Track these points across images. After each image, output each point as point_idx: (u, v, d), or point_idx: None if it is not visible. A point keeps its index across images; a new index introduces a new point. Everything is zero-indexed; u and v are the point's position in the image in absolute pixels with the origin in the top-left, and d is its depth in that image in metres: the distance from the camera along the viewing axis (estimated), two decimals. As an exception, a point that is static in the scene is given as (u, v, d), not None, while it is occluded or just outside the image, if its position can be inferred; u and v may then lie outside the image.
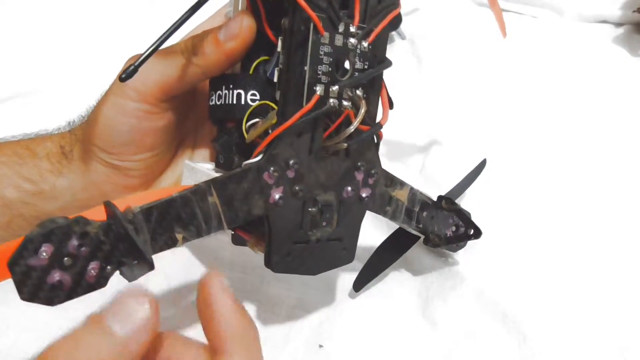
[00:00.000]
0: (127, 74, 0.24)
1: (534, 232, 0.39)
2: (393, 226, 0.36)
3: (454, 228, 0.34)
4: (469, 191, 0.39)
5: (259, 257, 0.29)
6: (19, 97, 0.50)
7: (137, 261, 0.21)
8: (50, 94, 0.50)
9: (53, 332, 0.32)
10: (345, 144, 0.26)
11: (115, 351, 0.19)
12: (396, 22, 0.28)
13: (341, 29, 0.25)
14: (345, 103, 0.26)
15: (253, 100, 0.28)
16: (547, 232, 0.39)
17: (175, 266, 0.36)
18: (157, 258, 0.22)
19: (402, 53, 0.57)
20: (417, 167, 0.45)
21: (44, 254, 0.19)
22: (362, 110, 0.26)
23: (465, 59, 0.56)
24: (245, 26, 0.27)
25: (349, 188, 0.28)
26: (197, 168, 0.30)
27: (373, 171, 0.29)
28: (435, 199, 0.34)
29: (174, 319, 0.34)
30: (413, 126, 0.48)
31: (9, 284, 0.20)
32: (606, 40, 0.58)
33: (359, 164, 0.28)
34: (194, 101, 0.33)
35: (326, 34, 0.25)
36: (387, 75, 0.28)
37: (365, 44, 0.26)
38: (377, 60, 0.27)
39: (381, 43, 0.27)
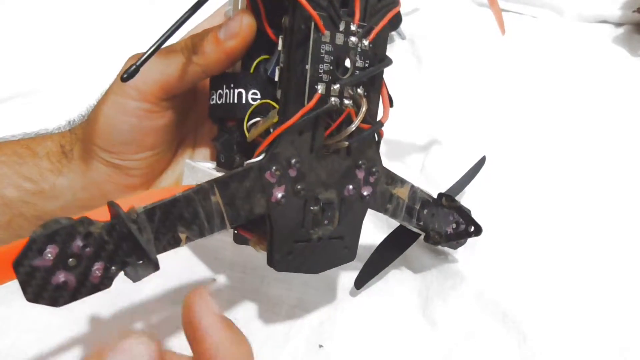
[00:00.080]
0: (128, 74, 0.24)
1: (534, 231, 0.39)
2: (394, 225, 0.36)
3: (454, 225, 0.34)
4: (469, 189, 0.39)
5: (259, 256, 0.29)
6: (19, 97, 0.50)
7: (142, 261, 0.21)
8: (50, 94, 0.50)
9: (53, 333, 0.32)
10: (347, 143, 0.26)
11: None
12: (396, 21, 0.28)
13: (342, 27, 0.25)
14: (346, 102, 0.26)
15: (254, 99, 0.28)
16: (547, 231, 0.39)
17: (175, 266, 0.36)
18: (158, 258, 0.22)
19: (402, 53, 0.57)
20: (417, 166, 0.45)
21: (49, 254, 0.19)
22: (363, 109, 0.26)
23: (465, 59, 0.56)
24: (246, 25, 0.27)
25: (350, 186, 0.28)
26: (198, 167, 0.30)
27: (374, 169, 0.29)
28: (435, 196, 0.34)
29: (174, 319, 0.34)
30: (413, 125, 0.48)
31: (10, 285, 0.20)
32: (606, 40, 0.58)
33: (360, 162, 0.28)
34: (194, 100, 0.33)
35: (327, 33, 0.25)
36: (387, 75, 0.28)
37: (365, 42, 0.26)
38: (378, 58, 0.27)
39: (381, 41, 0.27)
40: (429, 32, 0.59)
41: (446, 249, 0.37)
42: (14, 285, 0.20)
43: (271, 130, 0.25)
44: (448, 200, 0.34)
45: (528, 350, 0.31)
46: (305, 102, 0.25)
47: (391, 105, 0.28)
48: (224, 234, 0.26)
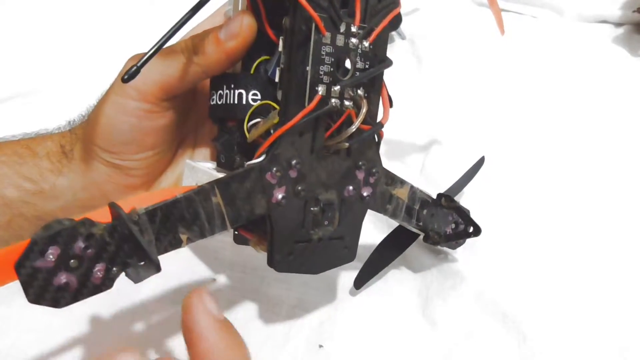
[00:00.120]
0: (129, 75, 0.24)
1: (534, 231, 0.39)
2: (393, 225, 0.36)
3: (453, 225, 0.35)
4: (468, 189, 0.39)
5: (259, 257, 0.29)
6: (19, 97, 0.50)
7: (143, 262, 0.21)
8: (50, 94, 0.50)
9: (54, 333, 0.33)
10: (347, 144, 0.26)
11: None
12: (396, 21, 0.28)
13: (342, 28, 0.25)
14: (346, 103, 0.26)
15: (254, 100, 0.28)
16: (547, 231, 0.39)
17: (175, 266, 0.36)
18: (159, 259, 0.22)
19: (402, 53, 0.57)
20: (417, 167, 0.45)
21: (51, 256, 0.19)
22: (364, 110, 0.26)
23: (465, 59, 0.56)
24: (246, 25, 0.27)
25: (351, 187, 0.28)
26: (198, 167, 0.30)
27: (374, 170, 0.29)
28: (434, 197, 0.34)
29: (174, 319, 0.34)
30: (413, 126, 0.48)
31: (11, 285, 0.20)
32: (606, 40, 0.58)
33: (360, 163, 0.28)
34: (195, 100, 0.33)
35: (328, 34, 0.25)
36: (388, 75, 0.28)
37: (366, 43, 0.26)
38: (378, 59, 0.27)
39: (382, 42, 0.27)
40: (429, 32, 0.59)
41: (445, 248, 0.37)
42: (14, 286, 0.20)
43: (272, 131, 0.25)
44: (447, 201, 0.34)
45: (528, 350, 0.31)
46: (306, 103, 0.25)
47: (391, 105, 0.28)
48: (224, 234, 0.26)
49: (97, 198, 0.31)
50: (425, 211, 0.33)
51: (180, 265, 0.36)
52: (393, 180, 0.30)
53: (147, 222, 0.22)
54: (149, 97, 0.29)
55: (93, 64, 0.52)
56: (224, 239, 0.38)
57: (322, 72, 0.25)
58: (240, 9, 0.29)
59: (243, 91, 0.28)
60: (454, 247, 0.37)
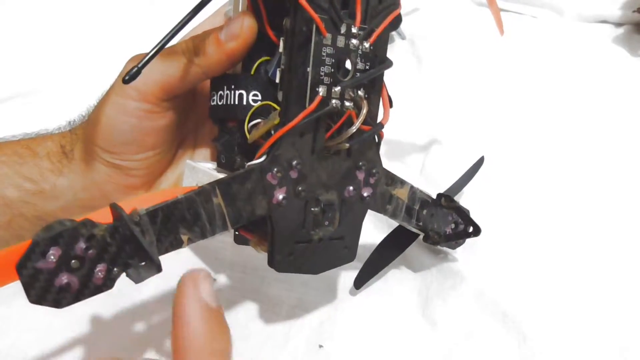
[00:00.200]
0: (130, 76, 0.24)
1: (534, 231, 0.39)
2: (394, 225, 0.36)
3: (453, 225, 0.35)
4: (469, 189, 0.39)
5: (259, 257, 0.29)
6: (19, 97, 0.50)
7: (144, 263, 0.21)
8: (51, 94, 0.50)
9: (54, 333, 0.33)
10: (347, 144, 0.27)
11: None
12: (396, 22, 0.28)
13: (343, 29, 0.25)
14: (347, 104, 0.26)
15: (255, 101, 0.28)
16: (547, 231, 0.39)
17: (176, 266, 0.36)
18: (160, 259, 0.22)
19: (402, 53, 0.57)
20: (417, 167, 0.45)
21: (52, 256, 0.19)
22: (364, 111, 0.26)
23: (465, 59, 0.56)
24: (247, 26, 0.27)
25: (351, 187, 0.28)
26: (198, 167, 0.30)
27: (374, 170, 0.29)
28: (434, 197, 0.34)
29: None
30: (413, 126, 0.48)
31: (10, 285, 0.20)
32: (606, 40, 0.58)
33: (360, 163, 0.28)
34: (195, 100, 0.33)
35: (328, 35, 0.25)
36: (388, 75, 0.28)
37: (366, 44, 0.26)
38: (378, 60, 0.27)
39: (382, 43, 0.27)
40: (429, 32, 0.59)
41: (445, 248, 0.37)
42: (14, 286, 0.20)
43: (272, 132, 0.26)
44: (447, 201, 0.34)
45: (528, 350, 0.31)
46: (307, 104, 0.25)
47: (391, 106, 0.28)
48: (224, 234, 0.26)
49: (97, 198, 0.31)
50: (425, 211, 0.33)
51: (180, 266, 0.36)
52: (393, 180, 0.30)
53: (148, 222, 0.22)
54: (149, 97, 0.29)
55: (93, 64, 0.52)
56: (224, 240, 0.38)
57: (322, 73, 0.25)
58: (240, 9, 0.29)
59: (243, 92, 0.28)
60: (453, 247, 0.37)
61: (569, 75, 0.53)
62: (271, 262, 0.27)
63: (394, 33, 0.58)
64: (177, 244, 0.23)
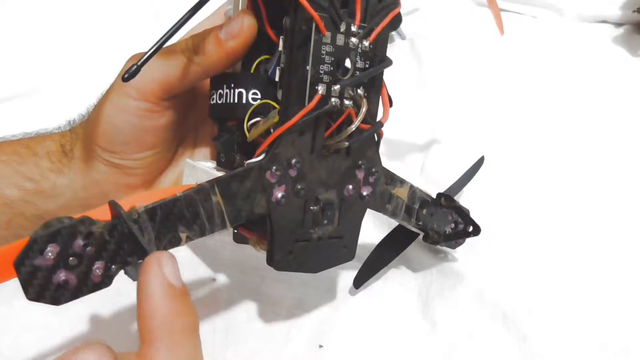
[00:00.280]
0: (129, 74, 0.24)
1: (534, 231, 0.39)
2: (393, 225, 0.36)
3: (452, 225, 0.35)
4: (469, 189, 0.39)
5: (259, 256, 0.29)
6: (19, 97, 0.50)
7: (142, 260, 0.21)
8: (51, 94, 0.50)
9: (53, 332, 0.33)
10: (347, 143, 0.26)
11: None
12: (396, 21, 0.28)
13: (342, 28, 0.25)
14: (346, 102, 0.26)
15: (254, 99, 0.28)
16: (547, 231, 0.39)
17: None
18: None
19: (402, 53, 0.57)
20: (417, 166, 0.45)
21: (50, 254, 0.20)
22: (364, 109, 0.26)
23: (465, 59, 0.56)
24: (246, 25, 0.27)
25: (350, 186, 0.28)
26: (198, 166, 0.30)
27: (374, 169, 0.29)
28: (434, 196, 0.34)
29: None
30: (413, 125, 0.48)
31: (10, 284, 0.20)
32: (606, 40, 0.58)
33: (360, 162, 0.28)
34: (194, 100, 0.33)
35: (328, 34, 0.25)
36: (388, 74, 0.28)
37: (366, 43, 0.26)
38: (378, 59, 0.27)
39: (382, 42, 0.27)
40: (429, 32, 0.59)
41: (445, 248, 0.37)
42: (14, 285, 0.20)
43: (272, 130, 0.25)
44: (447, 200, 0.34)
45: (528, 350, 0.31)
46: (306, 102, 0.25)
47: (391, 105, 0.28)
48: (224, 234, 0.26)
49: (97, 197, 0.31)
50: (424, 210, 0.33)
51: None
52: (393, 179, 0.30)
53: (147, 220, 0.22)
54: (149, 96, 0.29)
55: (93, 64, 0.52)
56: (224, 239, 0.38)
57: (322, 72, 0.25)
58: (240, 8, 0.29)
59: (243, 90, 0.28)
60: (453, 247, 0.37)
61: (569, 75, 0.53)
62: (270, 261, 0.27)
63: (394, 33, 0.58)
64: (175, 242, 0.23)
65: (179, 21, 0.25)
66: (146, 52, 0.25)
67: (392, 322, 0.34)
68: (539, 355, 0.31)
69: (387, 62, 0.27)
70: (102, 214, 0.21)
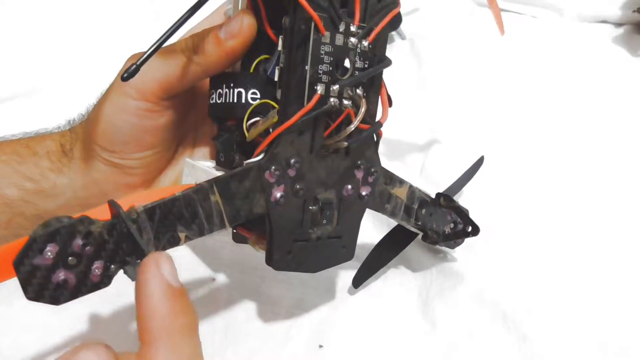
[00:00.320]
0: (129, 73, 0.24)
1: (533, 230, 0.39)
2: (393, 225, 0.36)
3: (452, 225, 0.35)
4: (468, 189, 0.39)
5: (258, 256, 0.29)
6: (19, 97, 0.50)
7: (141, 260, 0.21)
8: (51, 93, 0.50)
9: (53, 332, 0.33)
10: (346, 143, 0.26)
11: None
12: (396, 21, 0.28)
13: (342, 28, 0.25)
14: (345, 102, 0.26)
15: (254, 99, 0.28)
16: (546, 230, 0.39)
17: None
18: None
19: (402, 53, 0.57)
20: (417, 166, 0.45)
21: (49, 253, 0.20)
22: (363, 109, 0.26)
23: (465, 59, 0.56)
24: (246, 25, 0.27)
25: (349, 186, 0.28)
26: (198, 166, 0.30)
27: (373, 169, 0.29)
28: (434, 196, 0.34)
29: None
30: (413, 126, 0.48)
31: (9, 284, 0.20)
32: (606, 40, 0.58)
33: (359, 162, 0.28)
34: (194, 99, 0.33)
35: (327, 34, 0.25)
36: (387, 74, 0.28)
37: (365, 43, 0.26)
38: (377, 59, 0.27)
39: (381, 42, 0.27)
40: (429, 32, 0.59)
41: (444, 248, 0.37)
42: (14, 284, 0.20)
43: (271, 130, 0.25)
44: (446, 200, 0.34)
45: (528, 350, 0.31)
46: (305, 102, 0.25)
47: (390, 105, 0.28)
48: (223, 233, 0.26)
49: (97, 197, 0.31)
50: (424, 210, 0.33)
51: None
52: (392, 179, 0.30)
53: (146, 220, 0.22)
54: (149, 96, 0.29)
55: (93, 63, 0.52)
56: (223, 239, 0.38)
57: (321, 72, 0.25)
58: (240, 8, 0.29)
59: (242, 90, 0.28)
60: (452, 247, 0.37)
61: (569, 75, 0.53)
62: (269, 261, 0.27)
63: (394, 33, 0.58)
64: (174, 242, 0.23)
65: (178, 21, 0.25)
66: (146, 52, 0.25)
67: (391, 321, 0.34)
68: (539, 355, 0.31)
69: (387, 62, 0.27)
70: (101, 214, 0.21)
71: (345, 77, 0.26)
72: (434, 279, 0.36)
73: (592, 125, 0.47)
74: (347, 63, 0.26)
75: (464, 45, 0.57)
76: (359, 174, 0.28)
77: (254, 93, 0.28)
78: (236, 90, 0.28)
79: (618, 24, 0.60)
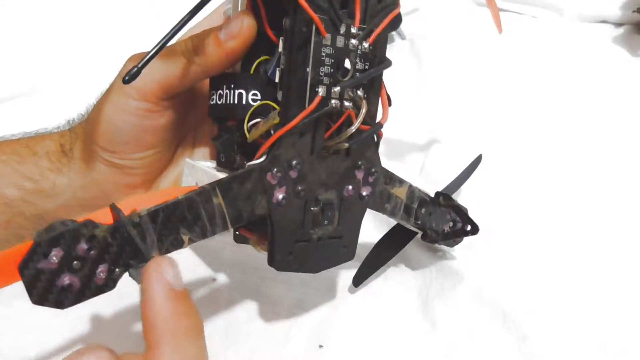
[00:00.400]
0: (130, 76, 0.24)
1: (533, 230, 0.39)
2: (392, 224, 0.36)
3: (451, 224, 0.35)
4: (467, 188, 0.39)
5: (259, 256, 0.29)
6: (19, 97, 0.50)
7: (145, 264, 0.21)
8: (50, 93, 0.50)
9: (54, 333, 0.33)
10: (347, 144, 0.27)
11: None
12: (396, 22, 0.28)
13: (342, 29, 0.25)
14: (346, 103, 0.26)
15: (254, 100, 0.28)
16: (546, 230, 0.39)
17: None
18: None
19: (402, 53, 0.57)
20: (416, 166, 0.45)
21: (54, 257, 0.20)
22: (363, 111, 0.26)
23: (465, 59, 0.56)
24: (246, 26, 0.27)
25: (350, 187, 0.28)
26: (198, 166, 0.30)
27: (373, 170, 0.29)
28: (433, 196, 0.34)
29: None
30: (413, 126, 0.48)
31: (11, 285, 0.20)
32: (606, 40, 0.58)
33: (360, 162, 0.28)
34: (194, 99, 0.33)
35: (328, 36, 0.25)
36: (387, 75, 0.28)
37: (366, 44, 0.26)
38: (378, 60, 0.27)
39: (381, 43, 0.27)
40: (429, 32, 0.59)
41: (443, 246, 0.37)
42: (15, 285, 0.20)
43: (272, 131, 0.25)
44: (445, 199, 0.34)
45: (528, 350, 0.31)
46: (306, 104, 0.25)
47: (390, 105, 0.28)
48: (224, 234, 0.26)
49: (97, 197, 0.31)
50: (423, 210, 0.33)
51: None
52: (392, 179, 0.30)
53: (148, 222, 0.22)
54: (149, 96, 0.29)
55: (93, 64, 0.52)
56: (224, 240, 0.38)
57: (322, 74, 0.25)
58: (240, 9, 0.29)
59: (243, 91, 0.28)
60: (451, 245, 0.37)
61: (569, 75, 0.53)
62: (271, 261, 0.27)
63: (394, 33, 0.58)
64: (178, 244, 0.23)
65: (179, 22, 0.25)
66: (147, 54, 0.25)
67: (392, 321, 0.34)
68: (539, 355, 0.31)
69: (387, 63, 0.27)
70: (104, 216, 0.22)
71: (346, 79, 0.26)
72: (433, 278, 0.36)
73: (592, 125, 0.47)
74: (347, 64, 0.26)
75: (464, 45, 0.57)
76: (360, 175, 0.28)
77: (254, 94, 0.28)
78: (237, 92, 0.28)
79: (618, 24, 0.60)
